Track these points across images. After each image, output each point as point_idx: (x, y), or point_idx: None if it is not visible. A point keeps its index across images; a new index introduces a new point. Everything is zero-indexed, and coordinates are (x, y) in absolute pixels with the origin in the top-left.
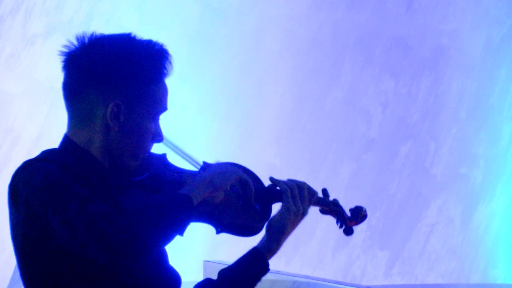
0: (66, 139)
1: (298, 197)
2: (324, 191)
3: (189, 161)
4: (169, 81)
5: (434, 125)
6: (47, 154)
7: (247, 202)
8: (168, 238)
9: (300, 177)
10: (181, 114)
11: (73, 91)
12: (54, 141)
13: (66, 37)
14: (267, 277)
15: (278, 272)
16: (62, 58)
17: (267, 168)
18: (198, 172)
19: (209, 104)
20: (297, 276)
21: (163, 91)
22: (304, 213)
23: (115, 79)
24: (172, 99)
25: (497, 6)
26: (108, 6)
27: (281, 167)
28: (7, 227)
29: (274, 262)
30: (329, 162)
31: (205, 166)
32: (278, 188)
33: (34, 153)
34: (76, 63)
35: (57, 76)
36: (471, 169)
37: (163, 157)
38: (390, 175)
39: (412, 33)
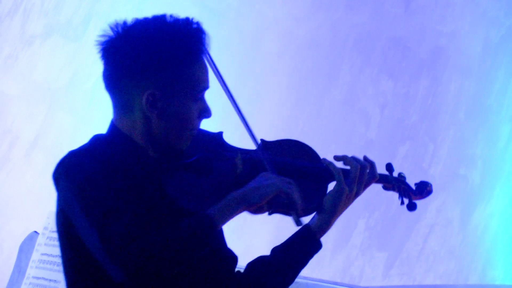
0: (112, 126)
1: (351, 178)
2: (388, 166)
3: (250, 135)
4: None
5: (433, 126)
6: (94, 143)
7: (293, 205)
8: (188, 259)
9: None
10: None
11: (111, 82)
12: (52, 142)
13: (64, 37)
14: None
15: None
16: (99, 47)
17: None
18: (255, 151)
19: None
20: None
21: (201, 70)
22: (357, 194)
23: (148, 68)
24: None
25: (496, 7)
26: (107, 6)
27: None
28: (5, 228)
29: None
30: None
31: (263, 144)
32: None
33: (32, 154)
34: (111, 53)
35: (55, 76)
36: (469, 170)
37: (218, 136)
38: None
39: (410, 34)
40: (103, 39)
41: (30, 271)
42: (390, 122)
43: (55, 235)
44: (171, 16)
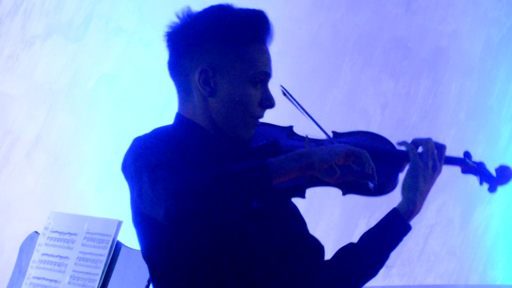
0: (177, 116)
1: (424, 153)
2: (466, 154)
3: (321, 129)
4: (168, 82)
5: (433, 126)
6: (156, 129)
7: (364, 174)
8: (236, 203)
9: None
10: None
11: (173, 65)
12: (53, 143)
13: (65, 38)
14: None
15: None
16: (166, 38)
17: None
18: (327, 142)
19: None
20: None
21: (258, 53)
22: (434, 168)
23: (203, 46)
24: (171, 99)
25: (496, 7)
26: (107, 7)
27: None
28: (6, 228)
29: None
30: None
31: (334, 135)
32: (403, 149)
33: (33, 155)
34: (174, 39)
35: (56, 77)
36: None
37: (288, 128)
38: None
39: (411, 34)
40: (170, 29)
41: (31, 271)
42: (390, 122)
43: (56, 235)
44: (232, 6)
